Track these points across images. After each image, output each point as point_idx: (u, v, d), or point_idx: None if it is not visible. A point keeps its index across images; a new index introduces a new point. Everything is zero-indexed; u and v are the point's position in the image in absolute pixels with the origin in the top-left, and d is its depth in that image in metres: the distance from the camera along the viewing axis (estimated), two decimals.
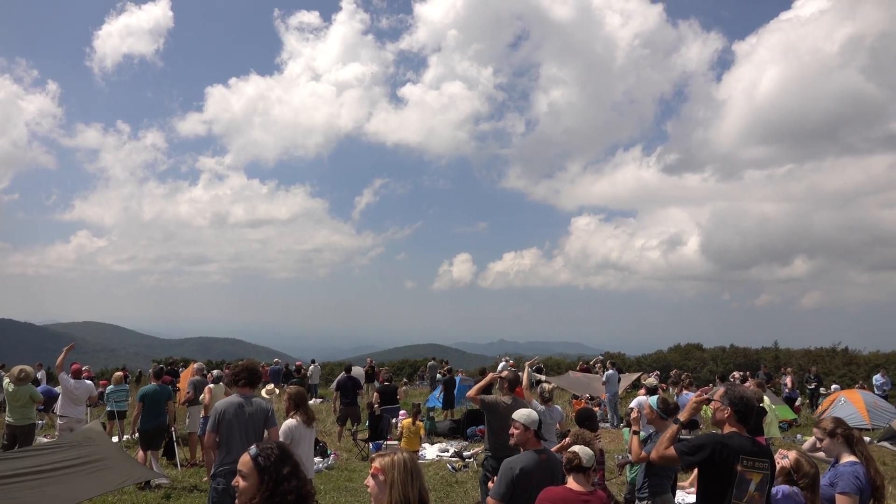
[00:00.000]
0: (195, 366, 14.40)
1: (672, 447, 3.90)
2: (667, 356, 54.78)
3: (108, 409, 14.13)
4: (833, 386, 23.73)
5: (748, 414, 3.91)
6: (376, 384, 16.38)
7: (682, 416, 4.06)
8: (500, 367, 16.82)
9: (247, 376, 6.13)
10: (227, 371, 14.57)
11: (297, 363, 27.45)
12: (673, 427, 4.08)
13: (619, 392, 18.02)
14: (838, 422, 4.69)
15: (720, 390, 3.93)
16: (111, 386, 14.26)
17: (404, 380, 30.59)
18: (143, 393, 10.88)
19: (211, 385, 11.66)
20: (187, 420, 12.44)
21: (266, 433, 6.03)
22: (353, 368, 16.52)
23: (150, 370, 12.11)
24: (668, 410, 6.00)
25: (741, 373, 15.36)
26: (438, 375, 25.90)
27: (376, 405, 15.41)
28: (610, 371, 17.76)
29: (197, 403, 12.13)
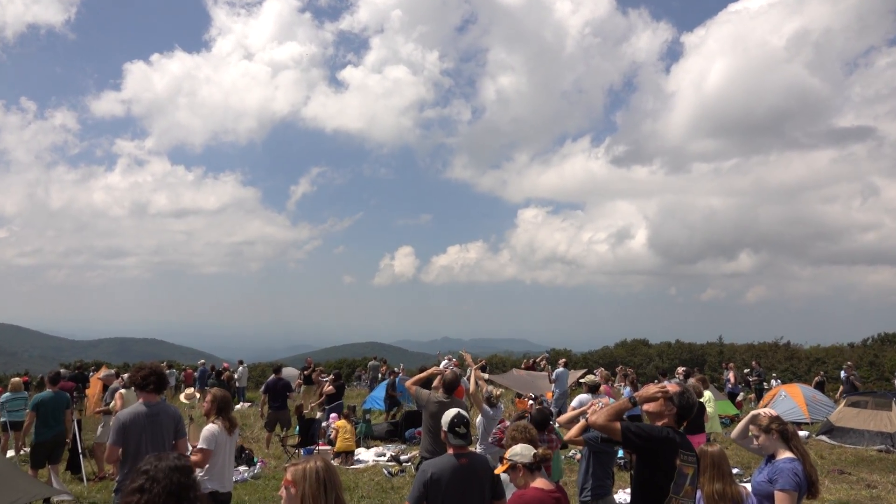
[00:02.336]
0: (102, 373, 13.84)
1: (618, 422, 3.85)
2: (613, 352, 55.47)
3: (2, 419, 13.18)
4: (773, 381, 24.74)
5: (686, 419, 3.97)
6: (327, 385, 16.15)
7: (638, 395, 4.06)
8: (442, 365, 16.65)
9: (155, 381, 5.78)
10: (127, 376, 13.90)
11: (224, 365, 26.56)
12: (625, 400, 4.07)
13: (567, 389, 17.88)
14: (773, 418, 4.82)
15: (673, 386, 3.94)
16: (7, 394, 13.37)
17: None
18: (37, 401, 10.21)
19: (122, 390, 10.94)
20: (99, 429, 11.65)
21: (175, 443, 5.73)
22: (283, 369, 16.23)
23: (46, 375, 11.23)
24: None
25: (685, 368, 14.22)
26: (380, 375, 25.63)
27: (313, 407, 15.61)
28: (560, 369, 17.78)
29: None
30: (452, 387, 7.29)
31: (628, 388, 14.47)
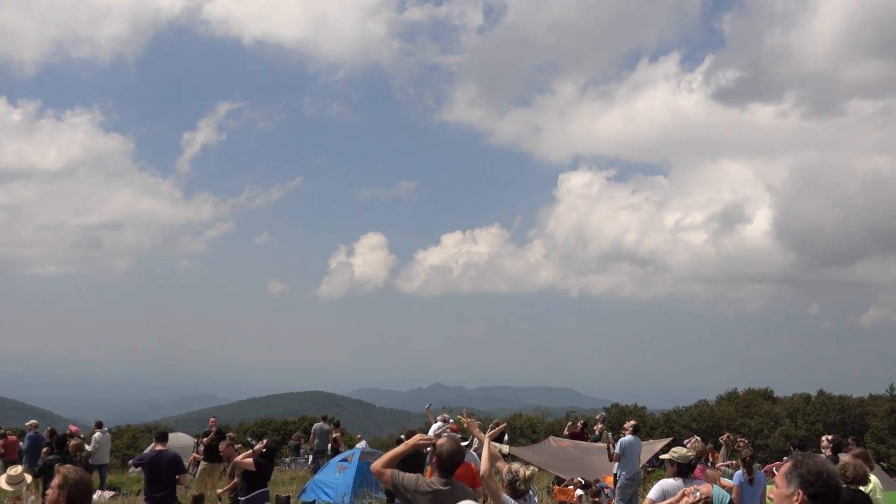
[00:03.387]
0: None
1: None
2: (715, 410, 53.04)
3: None
4: None
5: (831, 499, 3.73)
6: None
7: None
8: (433, 429, 16.13)
9: None
10: None
11: (72, 428, 20.22)
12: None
13: (640, 471, 16.69)
14: None
15: (785, 465, 3.90)
16: None
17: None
18: None
19: None
20: None
21: None
22: (169, 436, 13.84)
23: None
24: None
25: (833, 436, 13.16)
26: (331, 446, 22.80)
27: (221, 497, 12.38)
28: (628, 437, 16.13)
29: None
30: (452, 464, 6.22)
31: (740, 470, 12.49)
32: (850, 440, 16.46)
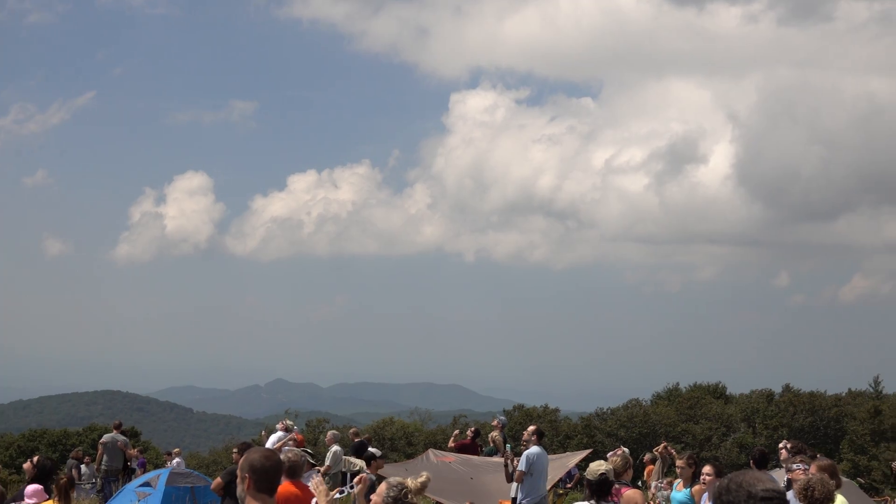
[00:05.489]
0: None
1: None
2: (650, 412, 54.72)
3: None
4: None
5: None
6: None
7: None
8: (270, 441, 17.96)
9: None
10: None
11: None
12: None
13: (546, 494, 17.25)
14: None
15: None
16: None
17: None
18: None
19: None
20: None
21: None
22: None
23: None
24: None
25: (794, 443, 14.01)
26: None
27: None
28: (534, 448, 16.59)
29: None
30: (267, 480, 6.45)
31: (687, 489, 13.47)
32: (806, 450, 16.97)
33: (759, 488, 4.08)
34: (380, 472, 18.31)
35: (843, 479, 18.70)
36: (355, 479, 9.64)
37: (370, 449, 17.41)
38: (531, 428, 17.63)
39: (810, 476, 9.66)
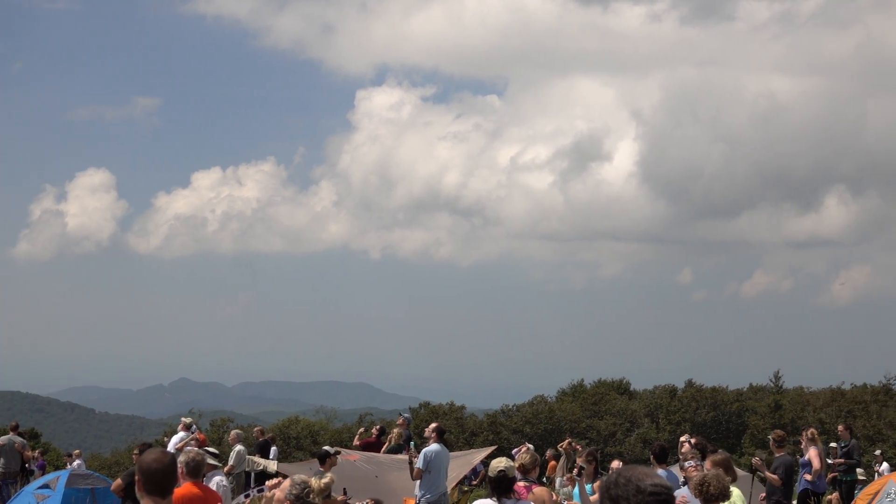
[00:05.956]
0: None
1: None
2: (555, 409, 55.03)
3: None
4: (879, 465, 23.86)
5: None
6: None
7: None
8: (173, 442, 17.54)
9: None
10: None
11: None
12: None
13: (450, 491, 17.39)
14: None
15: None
16: None
17: None
18: None
19: None
20: None
21: None
22: None
23: None
24: None
25: (697, 438, 13.87)
26: None
27: None
28: (433, 446, 16.77)
29: None
30: (157, 480, 6.30)
31: (589, 485, 13.61)
32: (707, 444, 17.09)
33: (647, 483, 4.07)
34: (283, 471, 18.19)
35: (741, 472, 19.00)
36: (267, 484, 9.57)
37: (325, 447, 17.20)
38: (432, 425, 17.85)
39: (706, 472, 9.92)
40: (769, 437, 18.90)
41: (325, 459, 16.15)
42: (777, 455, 17.56)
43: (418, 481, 17.06)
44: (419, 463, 16.50)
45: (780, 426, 48.40)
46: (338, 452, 17.65)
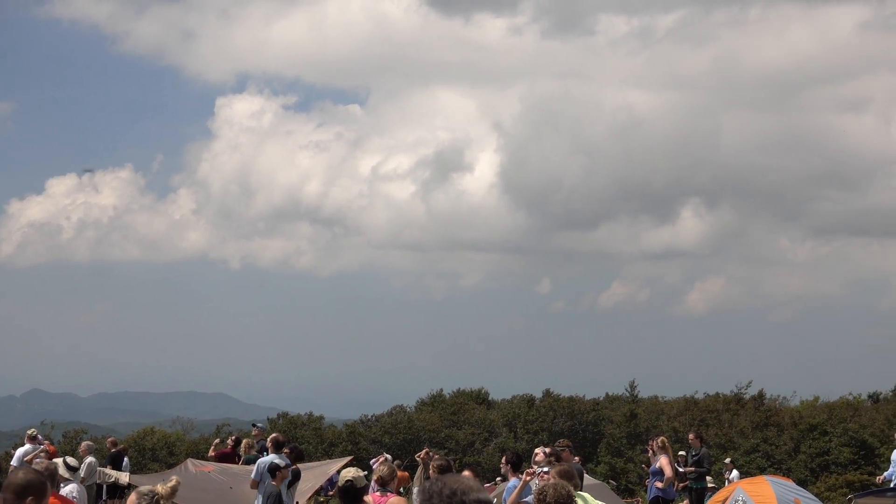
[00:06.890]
0: None
1: None
2: (413, 418, 54.81)
3: None
4: (729, 473, 24.24)
5: None
6: None
7: None
8: (17, 455, 15.11)
9: None
10: None
11: None
12: None
13: (305, 502, 18.54)
14: None
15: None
16: None
17: None
18: None
19: None
20: None
21: None
22: None
23: None
24: None
25: (554, 446, 14.11)
26: None
27: None
28: (269, 457, 17.04)
29: None
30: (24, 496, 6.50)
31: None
32: (563, 447, 17.21)
33: (472, 497, 3.91)
34: (136, 482, 17.73)
35: (595, 480, 19.30)
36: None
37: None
38: (273, 436, 18.33)
39: (545, 482, 10.10)
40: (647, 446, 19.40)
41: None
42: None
43: (256, 492, 16.96)
44: (253, 474, 16.68)
45: (635, 435, 49.56)
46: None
